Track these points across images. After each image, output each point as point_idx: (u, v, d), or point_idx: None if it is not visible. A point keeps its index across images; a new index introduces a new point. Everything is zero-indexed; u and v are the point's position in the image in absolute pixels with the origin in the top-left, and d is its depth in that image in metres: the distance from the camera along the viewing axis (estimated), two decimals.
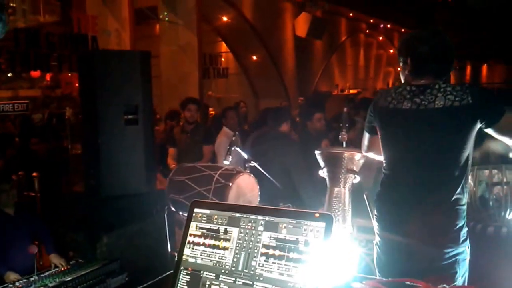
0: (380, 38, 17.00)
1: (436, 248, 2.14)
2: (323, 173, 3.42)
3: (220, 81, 11.83)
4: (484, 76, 26.09)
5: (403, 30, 17.54)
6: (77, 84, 6.79)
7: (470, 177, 2.87)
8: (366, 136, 2.49)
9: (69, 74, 7.62)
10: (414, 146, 2.20)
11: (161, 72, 8.04)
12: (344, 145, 3.53)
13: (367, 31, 16.25)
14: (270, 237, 1.10)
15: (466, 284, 2.22)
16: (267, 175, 3.86)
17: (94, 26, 6.75)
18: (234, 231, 1.14)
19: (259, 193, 3.77)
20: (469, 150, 2.16)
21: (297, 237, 1.07)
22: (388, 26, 16.47)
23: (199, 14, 7.78)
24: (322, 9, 11.50)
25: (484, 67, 26.13)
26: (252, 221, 1.13)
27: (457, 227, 2.14)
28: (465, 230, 2.20)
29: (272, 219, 1.11)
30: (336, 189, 3.38)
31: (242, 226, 1.14)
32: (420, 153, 2.18)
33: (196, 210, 1.21)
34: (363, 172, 2.87)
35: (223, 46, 11.82)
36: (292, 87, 11.87)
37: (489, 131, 2.20)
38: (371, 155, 2.50)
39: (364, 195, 2.53)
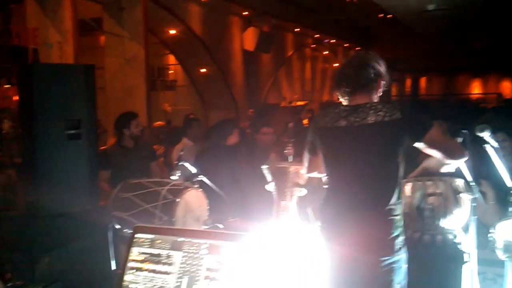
0: (326, 52, 17.54)
1: (372, 257, 2.28)
2: (270, 187, 3.47)
3: (168, 94, 11.71)
4: (423, 88, 27.49)
5: (346, 45, 18.22)
6: (16, 98, 6.51)
7: (408, 188, 3.02)
8: (307, 157, 2.64)
9: (7, 86, 7.29)
10: (350, 160, 2.38)
11: (106, 84, 7.86)
12: (290, 159, 3.61)
13: (313, 45, 16.71)
14: (213, 260, 1.12)
15: None
16: (215, 189, 3.86)
17: (34, 38, 6.50)
18: (177, 255, 1.15)
19: (207, 207, 3.75)
20: (400, 162, 2.34)
21: (238, 259, 1.10)
22: (332, 41, 17.04)
23: (145, 27, 7.70)
24: (269, 24, 11.73)
25: (423, 80, 27.55)
26: (195, 245, 1.14)
27: (392, 236, 2.28)
28: (400, 238, 2.34)
29: (215, 242, 1.13)
30: (282, 202, 3.44)
31: (185, 250, 1.15)
32: (356, 167, 2.36)
33: (138, 235, 1.21)
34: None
35: (171, 59, 11.74)
36: (242, 99, 11.96)
37: (417, 144, 2.37)
38: (313, 174, 2.62)
39: (308, 210, 2.61)
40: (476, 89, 26.17)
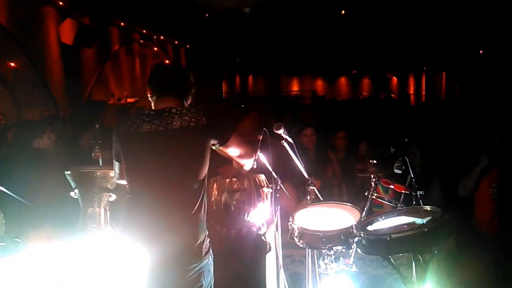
0: (155, 49, 17.24)
1: (181, 266, 2.27)
2: (75, 194, 3.24)
3: None
4: (251, 85, 29.33)
5: (176, 42, 18.25)
6: None
7: (216, 186, 3.14)
8: (116, 164, 2.52)
9: None
10: (154, 166, 2.31)
11: None
12: (101, 163, 3.43)
13: (141, 41, 16.28)
14: None
15: None
16: (17, 197, 3.53)
17: None
18: None
19: (4, 221, 3.40)
20: (206, 166, 2.38)
21: None
22: (162, 37, 16.87)
23: None
24: (89, 16, 11.00)
25: (250, 78, 29.38)
26: None
27: (199, 241, 2.31)
28: (207, 241, 2.38)
29: None
30: (90, 209, 3.25)
31: None
32: (160, 173, 2.30)
33: None
34: None
35: None
36: (61, 96, 10.96)
37: (221, 149, 2.48)
38: (124, 182, 2.51)
39: (112, 226, 2.51)
40: (295, 86, 28.98)
